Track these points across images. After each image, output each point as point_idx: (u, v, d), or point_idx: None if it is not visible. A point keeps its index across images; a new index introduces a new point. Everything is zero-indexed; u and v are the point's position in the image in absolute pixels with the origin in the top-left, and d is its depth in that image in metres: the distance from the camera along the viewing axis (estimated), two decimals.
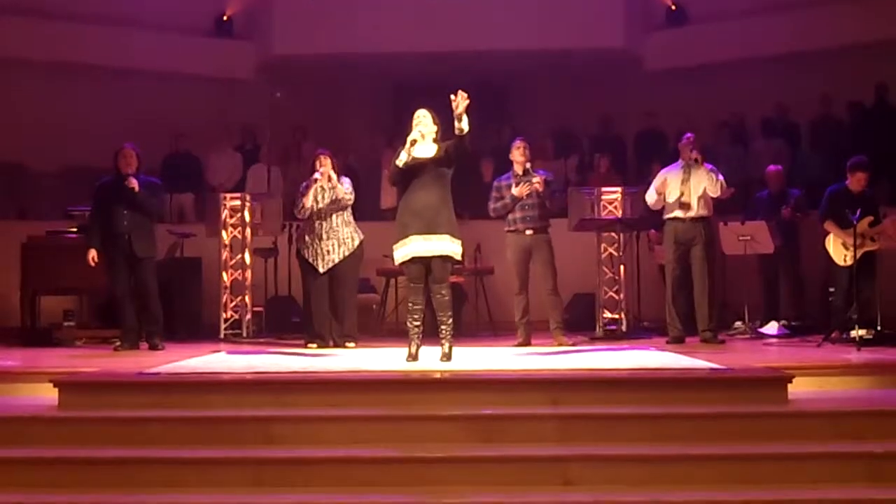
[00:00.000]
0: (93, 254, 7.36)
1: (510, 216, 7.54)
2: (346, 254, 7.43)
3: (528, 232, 7.50)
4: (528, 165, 7.54)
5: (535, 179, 7.45)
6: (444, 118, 6.03)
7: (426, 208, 5.96)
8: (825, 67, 11.03)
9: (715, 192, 7.42)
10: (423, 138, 6.04)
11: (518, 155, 7.56)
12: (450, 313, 6.07)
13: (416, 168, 6.00)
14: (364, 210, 9.47)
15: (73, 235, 8.41)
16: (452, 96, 5.77)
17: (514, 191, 7.47)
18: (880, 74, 10.64)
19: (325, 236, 7.41)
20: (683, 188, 7.47)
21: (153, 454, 4.57)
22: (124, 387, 5.23)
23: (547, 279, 7.52)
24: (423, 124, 6.06)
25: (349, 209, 7.49)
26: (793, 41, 11.24)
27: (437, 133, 6.10)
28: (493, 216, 7.72)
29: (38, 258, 8.34)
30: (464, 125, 5.81)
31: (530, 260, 7.55)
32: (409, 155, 5.98)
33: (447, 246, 5.98)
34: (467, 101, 5.76)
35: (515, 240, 7.55)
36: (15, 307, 8.63)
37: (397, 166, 6.02)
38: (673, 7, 12.34)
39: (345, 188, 7.38)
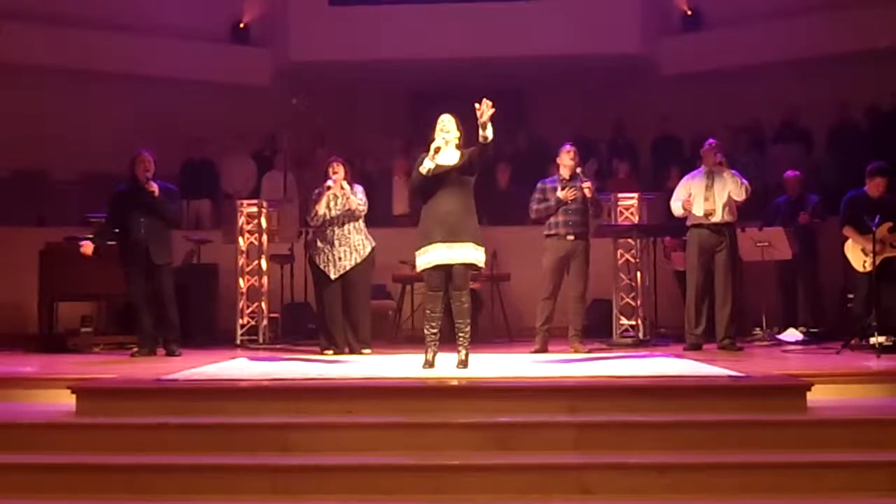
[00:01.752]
0: (89, 245, 7.39)
1: (552, 219, 7.47)
2: (358, 261, 7.43)
3: (570, 237, 7.43)
4: (578, 170, 7.48)
5: (585, 184, 7.40)
6: (464, 124, 6.02)
7: (450, 215, 5.94)
8: (843, 72, 10.97)
9: (740, 196, 7.39)
10: (446, 145, 6.01)
11: (567, 159, 7.50)
12: (468, 320, 6.06)
13: (440, 175, 5.97)
14: (378, 216, 9.47)
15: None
16: (477, 104, 5.73)
17: (560, 194, 7.42)
18: None
19: (336, 243, 7.41)
20: (708, 194, 7.45)
21: (170, 461, 4.57)
22: (142, 393, 5.24)
23: (577, 285, 7.47)
24: (447, 130, 6.03)
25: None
26: (809, 46, 11.19)
27: (459, 139, 6.06)
28: (534, 217, 7.64)
29: (56, 265, 8.37)
30: (488, 133, 5.77)
31: (566, 266, 7.49)
32: (434, 162, 5.96)
33: (471, 254, 5.97)
34: (492, 110, 5.73)
35: (555, 244, 7.47)
36: (33, 313, 8.68)
37: (422, 174, 5.97)
38: (689, 12, 12.32)
39: (358, 198, 7.37)
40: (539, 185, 7.66)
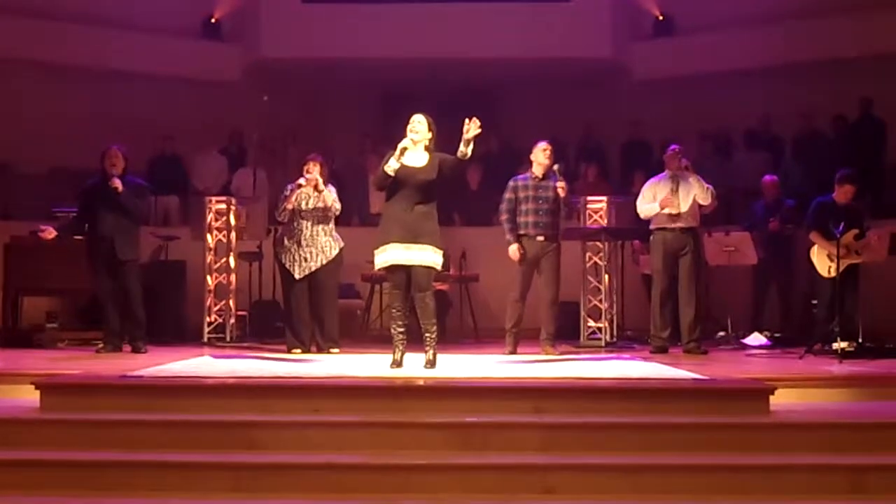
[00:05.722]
0: (50, 231, 7.28)
1: (521, 220, 7.31)
2: (325, 262, 7.37)
3: (540, 238, 7.30)
4: (555, 168, 7.32)
5: (559, 184, 7.23)
6: (434, 124, 6.03)
7: (409, 217, 5.92)
8: (810, 80, 11.09)
9: (705, 200, 7.43)
10: (413, 146, 5.97)
11: (542, 157, 7.30)
12: (434, 320, 6.06)
13: (405, 176, 5.94)
14: (349, 214, 9.45)
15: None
16: (467, 120, 5.75)
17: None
18: (865, 88, 10.71)
19: (303, 243, 7.35)
20: (673, 197, 7.49)
21: (134, 458, 4.54)
22: (106, 389, 5.21)
23: (549, 289, 7.34)
24: (416, 131, 5.98)
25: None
26: (779, 54, 11.31)
27: (430, 141, 6.02)
28: (504, 217, 7.41)
29: (21, 259, 8.30)
30: (468, 151, 5.80)
31: (537, 268, 7.39)
32: (400, 163, 5.92)
33: (428, 256, 5.94)
34: (478, 130, 5.75)
35: (524, 244, 7.31)
36: None
37: (387, 174, 5.93)
38: (660, 18, 12.39)
39: (332, 197, 7.33)
40: (511, 182, 7.43)
